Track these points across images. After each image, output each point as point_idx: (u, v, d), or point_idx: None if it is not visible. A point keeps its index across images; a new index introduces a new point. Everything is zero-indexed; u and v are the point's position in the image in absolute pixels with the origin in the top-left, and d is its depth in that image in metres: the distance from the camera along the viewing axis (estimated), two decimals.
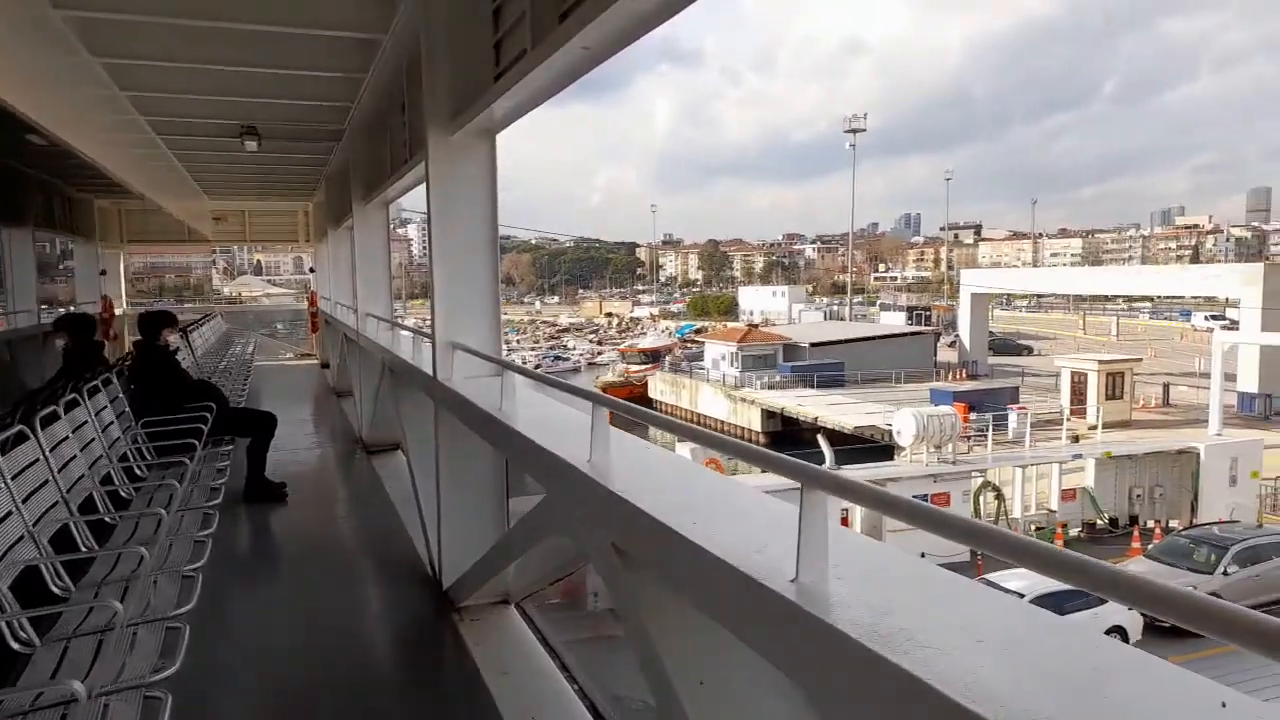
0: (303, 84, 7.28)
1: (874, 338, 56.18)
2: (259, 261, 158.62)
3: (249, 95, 7.49)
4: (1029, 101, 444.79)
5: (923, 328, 63.77)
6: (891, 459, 32.27)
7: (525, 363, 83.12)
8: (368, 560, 5.82)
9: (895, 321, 71.95)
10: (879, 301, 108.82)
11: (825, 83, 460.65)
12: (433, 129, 4.34)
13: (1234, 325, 77.54)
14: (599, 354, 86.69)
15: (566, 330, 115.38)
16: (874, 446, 33.02)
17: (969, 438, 25.55)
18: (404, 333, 7.64)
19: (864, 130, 75.33)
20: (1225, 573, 16.33)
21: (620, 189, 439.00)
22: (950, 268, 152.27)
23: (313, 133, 9.14)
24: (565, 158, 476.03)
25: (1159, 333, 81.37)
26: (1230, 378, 41.76)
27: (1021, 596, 15.48)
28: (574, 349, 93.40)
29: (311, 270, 19.56)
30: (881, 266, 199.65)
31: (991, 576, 16.38)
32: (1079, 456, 22.77)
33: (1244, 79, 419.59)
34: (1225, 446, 22.45)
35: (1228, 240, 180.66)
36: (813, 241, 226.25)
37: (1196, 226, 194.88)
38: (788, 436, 41.46)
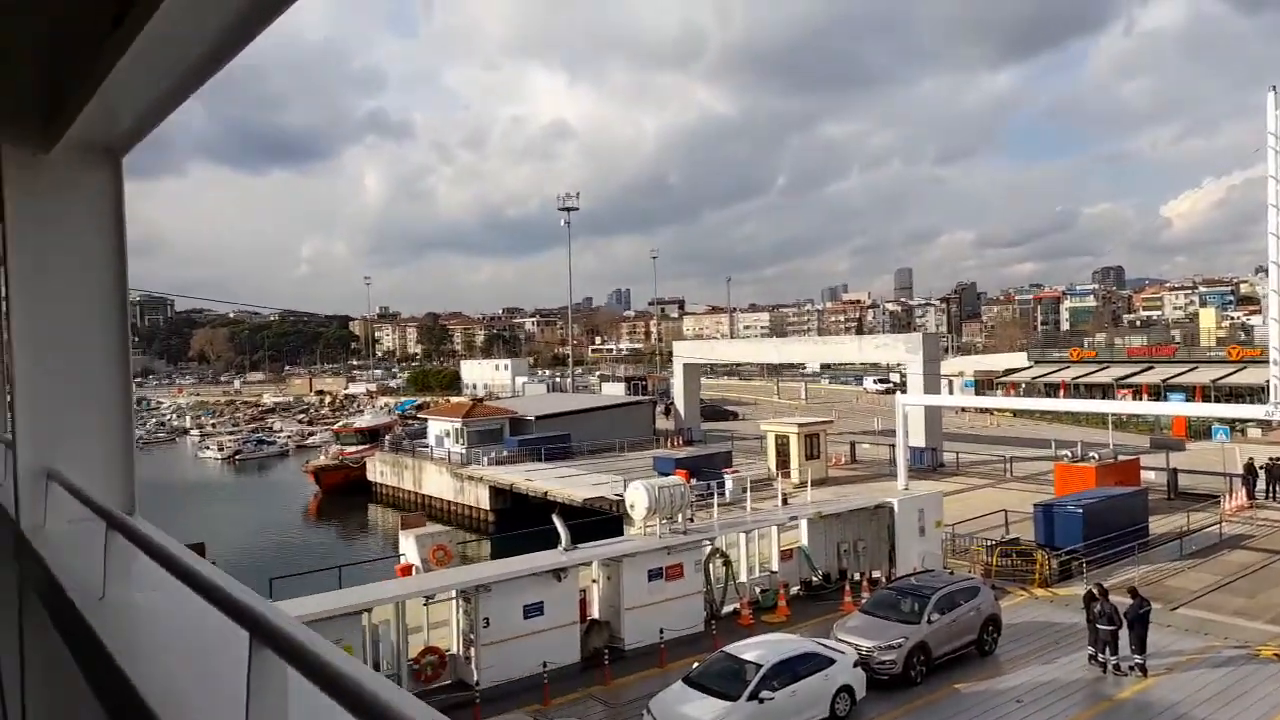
0: None
1: (598, 409, 57.12)
2: None
3: None
4: (717, 190, 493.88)
5: (641, 397, 66.20)
6: (622, 531, 32.30)
7: (223, 449, 74.45)
8: None
9: (616, 392, 74.12)
10: (598, 373, 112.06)
11: (535, 163, 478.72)
12: (8, 144, 2.79)
13: (898, 387, 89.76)
14: (310, 435, 79.84)
15: (272, 411, 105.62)
16: (605, 518, 32.89)
17: (693, 505, 25.97)
18: None
19: (577, 209, 77.85)
20: (929, 620, 17.61)
21: (329, 261, 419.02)
22: (659, 340, 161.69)
23: None
24: (266, 228, 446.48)
25: (838, 396, 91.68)
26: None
27: (759, 666, 15.53)
28: (281, 431, 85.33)
29: None
30: (598, 339, 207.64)
31: (729, 648, 16.32)
32: (795, 519, 23.95)
33: (885, 177, 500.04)
34: (913, 500, 24.83)
35: (884, 314, 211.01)
36: (532, 315, 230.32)
37: (859, 302, 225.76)
38: (518, 513, 40.25)
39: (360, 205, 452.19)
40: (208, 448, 78.16)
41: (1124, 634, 17.40)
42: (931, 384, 43.07)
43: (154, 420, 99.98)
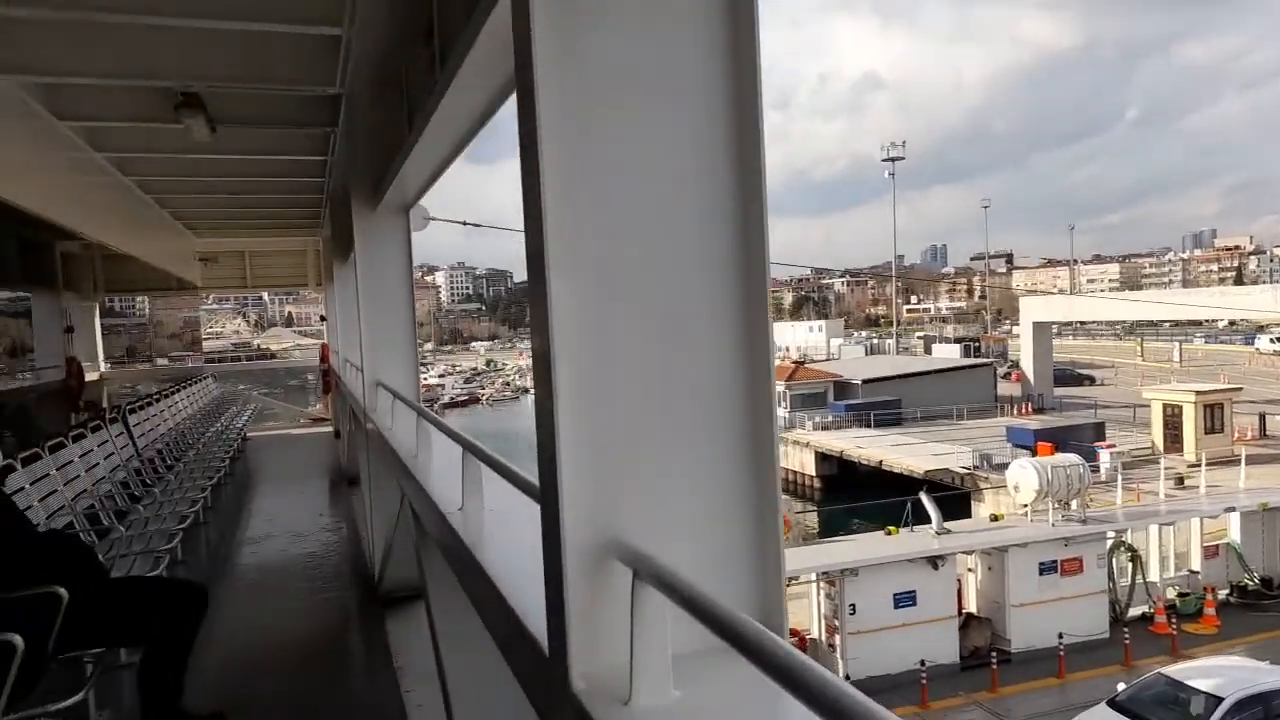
0: (260, 43, 4.93)
1: (930, 372, 52.76)
2: (289, 313, 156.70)
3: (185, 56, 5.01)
4: (1049, 132, 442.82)
5: (978, 360, 60.26)
6: (970, 509, 28.87)
7: None
8: None
9: (947, 354, 68.40)
10: (918, 334, 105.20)
11: (844, 120, 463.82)
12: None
13: None
14: None
15: None
16: (954, 494, 29.64)
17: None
18: (440, 438, 3.77)
19: (903, 159, 72.58)
20: None
21: None
22: (983, 297, 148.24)
23: (290, 109, 6.27)
24: None
25: (1221, 357, 76.98)
26: None
27: (1218, 699, 12.19)
28: None
29: (323, 319, 17.02)
30: (913, 299, 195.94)
31: (1169, 671, 13.08)
32: (1231, 509, 19.29)
33: (1268, 100, 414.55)
34: None
35: (1272, 261, 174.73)
36: (841, 275, 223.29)
37: (1237, 248, 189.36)
38: (846, 481, 38.18)
39: None
40: None
41: None
42: None
43: (500, 380, 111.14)
